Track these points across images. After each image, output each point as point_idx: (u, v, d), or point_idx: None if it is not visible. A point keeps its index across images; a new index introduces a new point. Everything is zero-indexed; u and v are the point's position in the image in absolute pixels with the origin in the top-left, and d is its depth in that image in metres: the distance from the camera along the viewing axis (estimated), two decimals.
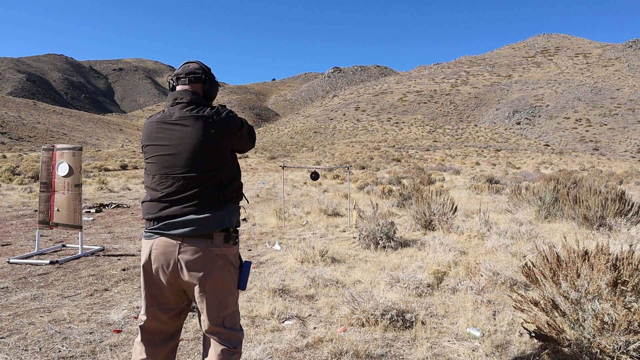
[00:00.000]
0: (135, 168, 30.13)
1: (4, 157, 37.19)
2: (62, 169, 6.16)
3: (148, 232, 2.05)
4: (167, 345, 2.15)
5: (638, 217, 7.48)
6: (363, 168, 32.46)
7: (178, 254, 1.98)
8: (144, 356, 2.09)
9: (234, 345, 2.07)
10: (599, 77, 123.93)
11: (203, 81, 2.16)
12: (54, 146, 6.35)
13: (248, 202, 2.56)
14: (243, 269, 2.14)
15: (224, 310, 2.07)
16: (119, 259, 5.94)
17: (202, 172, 2.02)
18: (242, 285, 2.13)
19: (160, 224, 2.01)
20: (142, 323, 2.12)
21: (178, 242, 1.98)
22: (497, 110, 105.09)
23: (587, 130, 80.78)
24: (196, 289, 2.01)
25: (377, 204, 7.27)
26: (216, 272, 2.02)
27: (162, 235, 2.01)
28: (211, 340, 2.07)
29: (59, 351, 3.14)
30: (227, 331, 2.07)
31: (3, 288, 4.60)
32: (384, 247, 6.17)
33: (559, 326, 2.78)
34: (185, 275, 1.99)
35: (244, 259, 2.21)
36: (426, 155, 50.83)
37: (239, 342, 2.10)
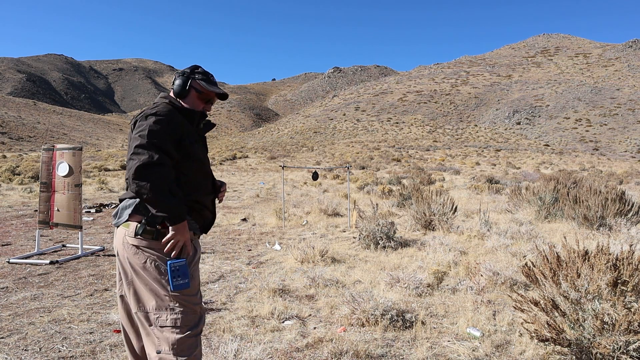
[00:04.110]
0: None
1: (4, 157, 37.19)
2: (62, 169, 6.16)
3: None
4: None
5: (638, 217, 7.48)
6: (363, 168, 32.46)
7: (114, 239, 2.14)
8: (126, 345, 2.25)
9: (166, 351, 1.96)
10: (599, 77, 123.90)
11: (174, 78, 2.25)
12: (54, 146, 6.35)
13: (200, 232, 2.24)
14: (169, 267, 1.99)
15: (145, 303, 2.02)
16: None
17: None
18: (171, 285, 1.97)
19: None
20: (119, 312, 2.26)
21: (116, 228, 2.14)
22: (497, 110, 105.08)
23: (587, 130, 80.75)
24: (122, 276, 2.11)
25: (377, 204, 7.27)
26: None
27: None
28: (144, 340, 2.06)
29: (59, 351, 3.14)
30: (156, 331, 2.00)
31: (3, 288, 4.60)
32: (384, 247, 6.17)
33: (559, 326, 2.78)
34: (118, 261, 2.12)
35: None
36: (426, 155, 50.81)
37: (170, 347, 1.96)
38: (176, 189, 1.95)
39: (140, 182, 1.85)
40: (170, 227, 1.96)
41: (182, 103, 2.20)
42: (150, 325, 2.01)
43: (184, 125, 2.10)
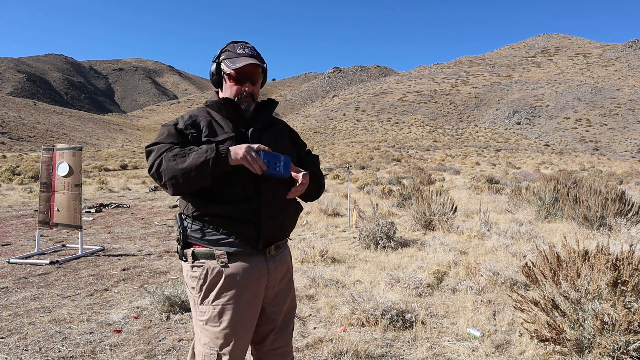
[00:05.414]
0: (135, 168, 30.11)
1: (4, 157, 37.20)
2: (62, 169, 6.16)
3: None
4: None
5: (638, 217, 7.48)
6: (363, 168, 32.45)
7: None
8: None
9: None
10: (599, 77, 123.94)
11: None
12: (54, 146, 6.35)
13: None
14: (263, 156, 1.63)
15: (196, 340, 1.82)
16: (119, 259, 5.94)
17: None
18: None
19: None
20: None
21: None
22: (497, 110, 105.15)
23: (587, 130, 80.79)
24: None
25: (377, 204, 7.27)
26: (188, 291, 1.83)
27: None
28: None
29: (59, 351, 3.14)
30: None
31: (3, 288, 4.60)
32: (384, 247, 6.17)
33: (559, 326, 2.78)
34: None
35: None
36: (426, 155, 50.81)
37: None
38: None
39: (151, 163, 1.63)
40: (229, 162, 1.59)
41: (220, 95, 1.86)
42: None
43: (201, 124, 1.75)
